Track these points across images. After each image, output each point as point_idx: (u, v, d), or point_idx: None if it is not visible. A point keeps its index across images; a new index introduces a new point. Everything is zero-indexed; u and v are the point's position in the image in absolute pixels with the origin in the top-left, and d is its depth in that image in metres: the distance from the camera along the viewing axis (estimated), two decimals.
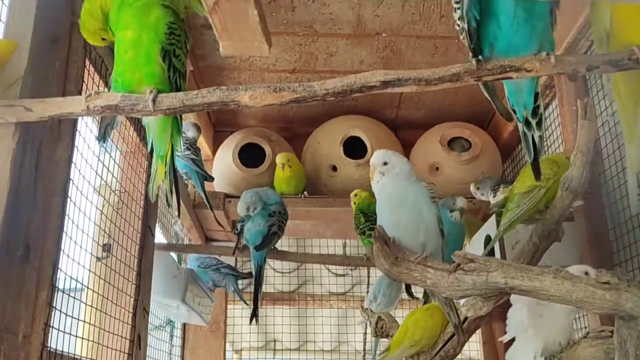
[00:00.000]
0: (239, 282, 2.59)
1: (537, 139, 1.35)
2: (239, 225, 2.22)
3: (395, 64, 2.38)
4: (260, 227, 2.14)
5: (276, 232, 2.17)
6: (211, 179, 2.45)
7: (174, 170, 1.34)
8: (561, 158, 1.68)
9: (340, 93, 1.11)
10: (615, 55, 1.10)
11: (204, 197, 2.35)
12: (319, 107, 2.67)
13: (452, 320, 1.48)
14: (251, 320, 2.15)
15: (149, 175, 1.68)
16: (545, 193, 1.58)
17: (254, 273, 2.18)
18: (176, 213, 1.57)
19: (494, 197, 2.13)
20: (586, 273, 1.22)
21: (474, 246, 2.13)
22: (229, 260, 2.74)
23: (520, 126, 1.35)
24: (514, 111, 1.34)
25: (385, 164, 1.50)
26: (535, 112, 1.32)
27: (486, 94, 1.34)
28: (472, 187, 2.25)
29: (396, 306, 2.04)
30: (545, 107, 2.26)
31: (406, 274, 1.31)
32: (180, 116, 1.35)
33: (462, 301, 1.49)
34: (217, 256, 2.54)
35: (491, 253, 1.94)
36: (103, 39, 1.25)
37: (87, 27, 1.23)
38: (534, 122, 1.34)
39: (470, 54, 1.17)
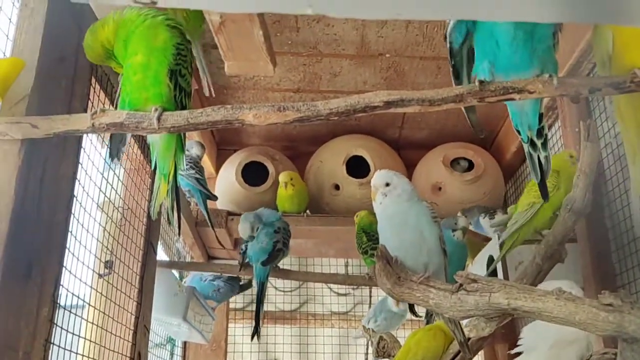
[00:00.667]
0: (242, 294, 2.59)
1: (543, 160, 1.35)
2: (243, 246, 2.22)
3: (399, 85, 2.39)
4: (264, 245, 2.14)
5: (281, 248, 2.17)
6: (214, 198, 2.46)
7: (176, 189, 1.35)
8: (562, 159, 1.67)
9: (343, 113, 1.11)
10: (618, 78, 1.10)
11: (206, 215, 2.36)
12: (323, 126, 2.69)
13: (457, 338, 1.47)
14: (252, 337, 2.14)
15: (152, 193, 1.69)
16: (542, 207, 1.58)
17: (256, 291, 2.18)
18: (177, 231, 1.57)
19: (489, 220, 2.13)
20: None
21: (477, 266, 2.12)
22: None
23: (526, 147, 1.35)
24: (518, 132, 1.34)
25: (387, 184, 1.50)
26: (540, 132, 1.32)
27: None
28: (460, 218, 2.23)
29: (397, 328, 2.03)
30: (548, 129, 2.27)
31: (408, 293, 1.31)
32: (184, 135, 1.36)
33: (464, 322, 1.48)
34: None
35: (494, 274, 1.94)
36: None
37: (91, 56, 1.26)
38: (539, 143, 1.34)
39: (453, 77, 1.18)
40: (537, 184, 1.64)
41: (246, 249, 2.19)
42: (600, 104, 1.91)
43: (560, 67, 1.86)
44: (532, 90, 1.11)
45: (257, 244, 2.15)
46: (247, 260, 2.18)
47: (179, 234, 2.38)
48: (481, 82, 1.11)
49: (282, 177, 2.47)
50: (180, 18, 1.35)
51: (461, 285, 1.19)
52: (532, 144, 1.34)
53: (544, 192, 1.40)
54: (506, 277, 1.80)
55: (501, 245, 1.62)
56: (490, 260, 2.00)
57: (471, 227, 2.22)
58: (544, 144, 1.33)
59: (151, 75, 1.21)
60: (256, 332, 2.14)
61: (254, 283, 2.21)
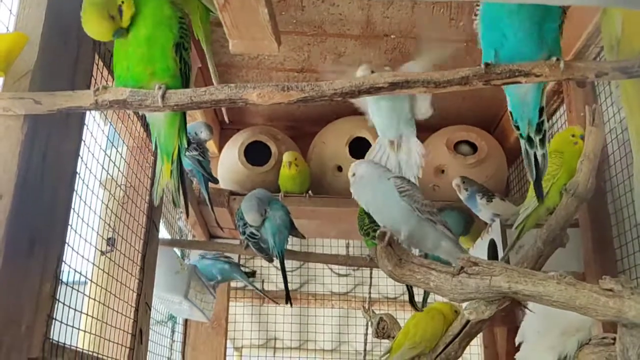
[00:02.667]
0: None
1: (539, 157, 1.33)
2: (247, 229, 2.23)
3: None
4: (282, 221, 2.21)
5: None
6: (215, 181, 2.46)
7: (180, 169, 1.34)
8: (565, 138, 1.66)
9: (348, 93, 1.11)
10: (625, 63, 1.09)
11: (207, 198, 2.36)
12: (326, 106, 2.67)
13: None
14: (286, 302, 2.27)
15: (155, 171, 1.69)
16: (550, 190, 1.58)
17: (279, 260, 2.25)
18: (185, 213, 1.57)
19: (486, 203, 2.11)
20: None
21: (478, 250, 2.13)
22: (233, 258, 2.76)
23: (523, 143, 1.33)
24: (517, 127, 1.32)
25: (353, 175, 1.56)
26: (539, 128, 1.30)
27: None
28: (456, 180, 2.20)
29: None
30: (553, 113, 2.26)
31: (409, 275, 1.31)
32: (185, 114, 1.35)
33: (464, 304, 1.49)
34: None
35: (494, 257, 1.95)
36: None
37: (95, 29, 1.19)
38: (537, 139, 1.31)
39: None
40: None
41: (255, 236, 2.21)
42: (606, 88, 1.90)
43: (567, 51, 1.86)
44: (539, 74, 1.10)
45: (273, 223, 2.18)
46: (264, 244, 2.23)
47: (187, 215, 2.39)
48: (487, 64, 1.10)
49: (286, 157, 2.46)
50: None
51: (462, 268, 1.19)
52: (529, 140, 1.32)
53: (538, 192, 1.38)
54: (507, 260, 1.80)
55: (520, 231, 1.62)
56: (492, 243, 2.01)
57: (463, 197, 2.19)
58: (542, 141, 1.31)
59: (158, 49, 1.20)
60: (288, 297, 2.27)
61: (275, 257, 2.26)
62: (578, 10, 1.84)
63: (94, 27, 1.16)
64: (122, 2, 1.16)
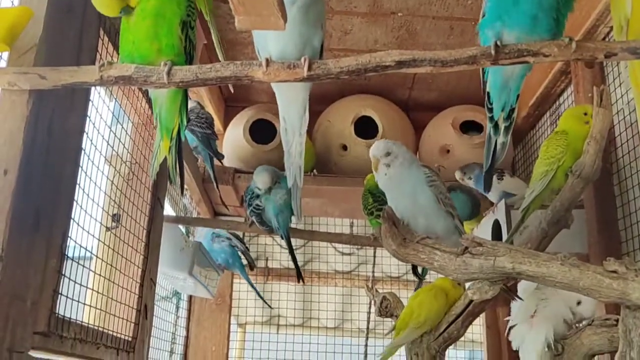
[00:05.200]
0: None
1: (499, 146, 1.31)
2: (259, 202, 2.24)
3: (410, 45, 2.36)
4: (285, 198, 2.22)
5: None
6: (221, 157, 2.46)
7: (179, 146, 1.34)
8: (577, 116, 1.64)
9: (354, 72, 1.10)
10: (635, 43, 1.08)
11: (212, 174, 2.36)
12: (331, 85, 2.66)
13: None
14: (298, 279, 2.36)
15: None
16: (556, 173, 1.57)
17: (285, 240, 2.29)
18: (180, 190, 1.57)
19: (497, 181, 2.10)
20: None
21: (482, 230, 2.13)
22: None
23: (489, 127, 1.31)
24: (490, 109, 1.30)
25: (388, 154, 1.51)
26: (510, 113, 1.29)
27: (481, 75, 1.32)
28: (457, 175, 2.21)
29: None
30: (560, 94, 2.24)
31: (413, 255, 1.32)
32: (187, 91, 1.35)
33: (468, 284, 1.50)
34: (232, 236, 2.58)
35: (498, 237, 1.95)
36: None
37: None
38: (503, 126, 1.30)
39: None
40: (544, 149, 1.64)
41: (259, 208, 2.22)
42: (615, 69, 1.88)
43: (576, 31, 1.84)
44: (548, 54, 1.09)
45: (275, 203, 2.19)
46: (265, 218, 2.24)
47: (182, 193, 2.40)
48: (496, 44, 1.09)
49: None
50: None
51: (466, 248, 1.19)
52: (495, 126, 1.30)
53: (487, 183, 1.37)
54: (511, 241, 1.81)
55: (524, 212, 1.62)
56: (497, 224, 2.01)
57: (471, 183, 2.19)
58: (507, 128, 1.30)
59: (165, 25, 1.20)
60: (299, 274, 2.34)
61: (281, 237, 2.29)
62: None
63: (102, 1, 1.16)
64: None
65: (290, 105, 1.35)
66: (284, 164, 1.46)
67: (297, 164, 1.41)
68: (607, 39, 1.82)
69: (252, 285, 2.71)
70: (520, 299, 1.53)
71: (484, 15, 1.22)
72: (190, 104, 2.34)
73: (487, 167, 1.34)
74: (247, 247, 2.65)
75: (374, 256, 3.10)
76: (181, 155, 1.36)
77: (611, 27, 1.77)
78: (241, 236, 2.69)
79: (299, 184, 1.43)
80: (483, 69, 1.31)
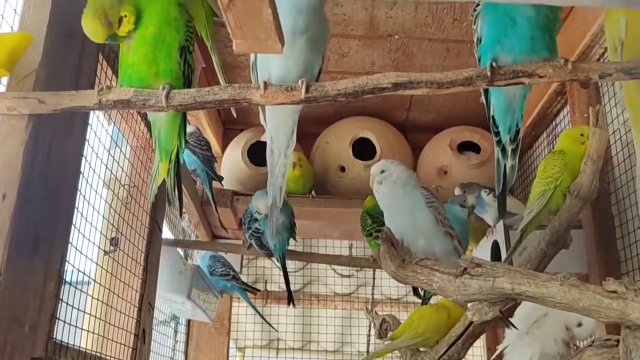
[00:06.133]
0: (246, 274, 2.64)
1: (508, 169, 1.32)
2: (258, 225, 2.24)
3: (407, 67, 2.37)
4: (283, 220, 2.22)
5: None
6: (220, 179, 2.46)
7: (177, 168, 1.35)
8: (573, 137, 1.64)
9: (352, 94, 1.11)
10: (629, 64, 1.09)
11: (210, 196, 2.37)
12: (329, 107, 2.68)
13: None
14: (289, 303, 2.32)
15: None
16: (554, 193, 1.58)
17: (281, 263, 2.27)
18: (179, 212, 1.57)
19: (494, 199, 2.10)
20: None
21: (481, 251, 2.12)
22: (236, 259, 2.77)
23: (497, 151, 1.32)
24: (497, 133, 1.31)
25: (382, 172, 1.53)
26: (516, 135, 1.30)
27: (483, 100, 1.33)
28: (457, 191, 2.21)
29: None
30: (557, 114, 2.26)
31: (413, 276, 1.31)
32: (185, 114, 1.35)
33: (468, 305, 1.49)
34: (228, 264, 2.57)
35: (498, 259, 1.94)
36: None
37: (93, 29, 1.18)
38: (509, 149, 1.31)
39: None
40: (541, 169, 1.64)
41: (259, 231, 2.22)
42: (610, 89, 1.90)
43: (571, 52, 1.86)
44: (543, 75, 1.10)
45: (278, 220, 2.19)
46: (264, 241, 2.24)
47: (181, 215, 2.40)
48: (492, 65, 1.10)
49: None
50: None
51: (465, 269, 1.19)
52: (503, 149, 1.31)
53: (501, 208, 1.37)
54: (510, 262, 1.80)
55: (522, 233, 1.62)
56: (496, 245, 2.00)
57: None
58: (514, 151, 1.30)
59: (164, 50, 1.21)
60: (291, 298, 2.33)
61: (276, 257, 2.28)
62: (582, 11, 1.84)
63: (90, 26, 1.17)
64: (125, 16, 1.17)
65: (279, 127, 1.36)
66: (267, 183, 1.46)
67: (279, 184, 1.42)
68: (601, 60, 1.84)
69: (254, 308, 2.70)
70: (515, 327, 1.52)
71: (480, 40, 1.23)
72: (191, 128, 2.36)
73: (500, 192, 1.34)
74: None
75: (374, 278, 3.09)
76: (180, 178, 1.37)
77: (605, 48, 1.79)
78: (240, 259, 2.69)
79: (278, 204, 1.44)
80: (486, 93, 1.32)
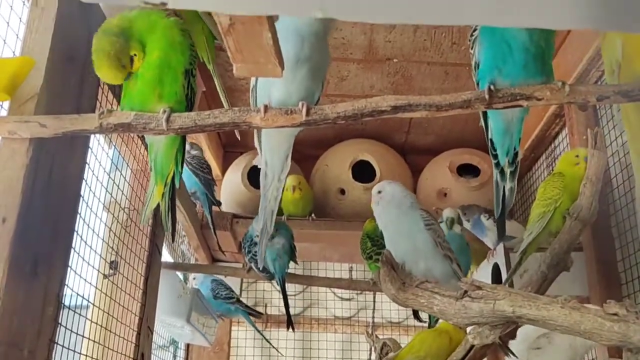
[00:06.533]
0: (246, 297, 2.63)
1: (507, 191, 1.32)
2: (253, 248, 2.24)
3: (406, 90, 2.39)
4: (283, 243, 2.23)
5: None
6: (218, 204, 2.46)
7: (172, 192, 1.35)
8: (569, 159, 1.65)
9: (351, 117, 1.12)
10: (626, 86, 1.10)
11: (209, 220, 2.36)
12: (329, 130, 2.69)
13: None
14: (288, 327, 2.30)
15: None
16: (553, 215, 1.58)
17: (280, 286, 2.26)
18: (171, 237, 1.55)
19: (494, 223, 2.09)
20: None
21: (481, 273, 2.11)
22: (235, 283, 2.76)
23: (495, 174, 1.32)
24: (495, 155, 1.32)
25: (379, 192, 1.54)
26: (514, 157, 1.30)
27: (482, 123, 1.34)
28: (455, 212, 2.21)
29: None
30: (555, 136, 2.26)
31: (413, 299, 1.30)
32: (184, 138, 1.36)
33: (468, 329, 1.48)
34: (230, 287, 2.56)
35: (498, 281, 1.93)
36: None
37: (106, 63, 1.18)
38: (508, 171, 1.31)
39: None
40: (541, 192, 1.65)
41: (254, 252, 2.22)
42: (608, 111, 1.91)
43: (568, 75, 1.87)
44: (540, 97, 1.11)
45: (272, 249, 2.19)
46: (264, 264, 2.22)
47: (174, 240, 2.40)
48: (490, 88, 1.10)
49: (290, 181, 2.46)
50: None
51: (466, 292, 1.18)
52: (502, 172, 1.32)
53: (500, 230, 1.37)
54: (511, 284, 1.79)
55: (522, 255, 1.62)
56: (496, 268, 2.00)
57: (468, 227, 2.18)
58: (513, 173, 1.31)
59: (170, 73, 1.21)
60: (290, 323, 2.31)
61: (276, 281, 2.27)
62: (578, 34, 1.86)
63: (107, 75, 1.18)
64: (135, 55, 1.18)
65: (275, 151, 1.37)
66: (259, 206, 1.46)
67: (271, 208, 1.42)
68: (599, 82, 1.85)
69: (258, 331, 2.68)
70: (515, 356, 1.51)
71: (477, 64, 1.24)
72: (195, 151, 2.37)
73: (499, 214, 1.34)
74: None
75: (374, 301, 3.07)
76: (174, 202, 1.37)
77: (603, 71, 1.80)
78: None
79: (269, 229, 1.44)
80: (484, 116, 1.33)
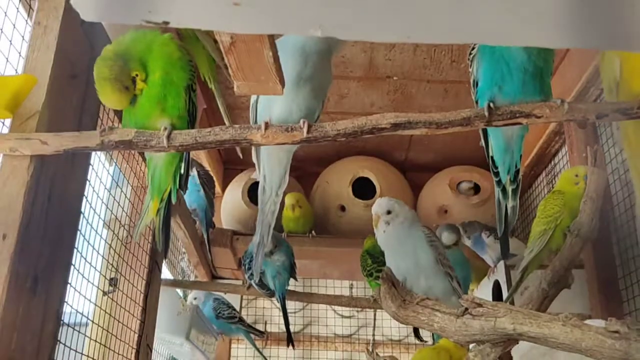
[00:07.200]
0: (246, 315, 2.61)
1: (509, 210, 1.32)
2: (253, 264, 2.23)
3: (406, 107, 2.40)
4: (283, 260, 2.21)
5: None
6: (212, 225, 2.45)
7: (168, 208, 1.34)
8: (568, 178, 1.65)
9: (351, 134, 1.12)
10: (625, 104, 1.10)
11: (206, 239, 2.37)
12: (329, 147, 2.69)
13: None
14: (288, 344, 2.29)
15: None
16: (554, 233, 1.58)
17: (280, 303, 2.25)
18: (164, 254, 1.53)
19: (494, 240, 2.09)
20: None
21: (482, 291, 2.11)
22: (235, 300, 2.75)
23: (497, 192, 1.33)
24: (496, 174, 1.32)
25: (389, 212, 1.53)
26: (516, 175, 1.31)
27: (483, 143, 1.34)
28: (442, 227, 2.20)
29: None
30: (555, 154, 2.27)
31: (414, 317, 1.30)
32: (183, 156, 1.36)
33: (469, 346, 1.47)
34: (232, 305, 2.55)
35: (499, 299, 1.93)
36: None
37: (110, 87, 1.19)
38: (510, 189, 1.31)
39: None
40: (541, 209, 1.65)
41: (261, 270, 2.21)
42: (608, 129, 1.91)
43: (567, 92, 1.88)
44: (540, 115, 1.11)
45: (273, 266, 2.18)
46: (264, 281, 2.22)
47: (166, 257, 2.40)
48: (489, 106, 1.11)
49: (289, 200, 2.46)
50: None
51: (466, 309, 1.18)
52: (504, 190, 1.32)
53: (504, 249, 1.37)
54: (512, 302, 1.79)
55: (523, 272, 1.62)
56: (497, 285, 1.99)
57: (469, 244, 2.18)
58: (515, 191, 1.31)
59: (173, 89, 1.22)
60: (290, 341, 2.30)
61: (276, 298, 2.26)
62: (577, 53, 1.87)
63: (111, 99, 1.20)
64: (137, 75, 1.19)
65: (273, 166, 1.38)
66: (257, 220, 1.46)
67: (268, 222, 1.42)
68: (598, 100, 1.86)
69: (259, 352, 2.67)
70: None
71: (476, 83, 1.25)
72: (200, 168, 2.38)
73: (502, 233, 1.34)
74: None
75: (374, 319, 3.06)
76: (169, 219, 1.36)
77: (602, 89, 1.81)
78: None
79: (265, 242, 1.44)
80: (485, 135, 1.33)
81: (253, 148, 1.37)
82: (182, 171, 1.35)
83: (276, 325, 3.13)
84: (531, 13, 0.59)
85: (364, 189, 2.60)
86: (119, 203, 1.58)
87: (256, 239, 1.44)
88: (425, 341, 2.30)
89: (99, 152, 1.39)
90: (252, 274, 2.24)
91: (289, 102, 1.21)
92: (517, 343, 1.34)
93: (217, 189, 2.79)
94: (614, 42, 0.64)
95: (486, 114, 1.11)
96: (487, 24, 0.60)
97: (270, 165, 1.38)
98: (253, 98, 1.35)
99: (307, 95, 1.23)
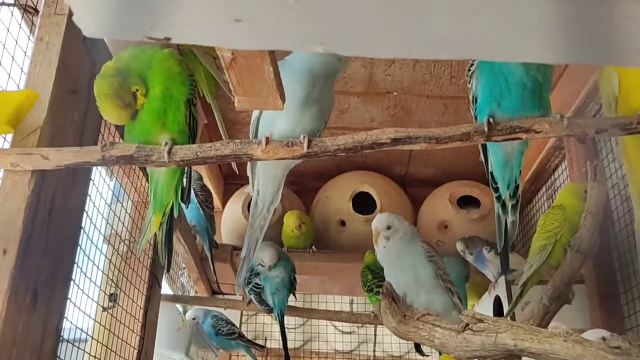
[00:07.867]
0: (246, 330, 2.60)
1: (509, 225, 1.32)
2: (258, 280, 2.22)
3: (406, 122, 2.41)
4: (282, 276, 2.21)
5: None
6: (215, 245, 2.44)
7: (170, 224, 1.35)
8: (569, 192, 1.65)
9: (351, 149, 1.12)
10: (624, 119, 1.11)
11: (209, 255, 2.36)
12: (329, 162, 2.70)
13: None
14: None
15: None
16: (554, 248, 1.57)
17: (279, 320, 2.24)
18: (166, 268, 1.53)
19: (495, 255, 2.09)
20: (603, 338, 1.20)
21: (483, 306, 2.10)
22: (235, 315, 2.74)
23: (497, 207, 1.33)
24: (496, 189, 1.32)
25: (389, 227, 1.53)
26: (515, 190, 1.31)
27: (482, 158, 1.34)
28: (459, 246, 2.20)
29: None
30: (555, 168, 2.27)
31: (414, 332, 1.30)
32: (184, 170, 1.37)
33: None
34: (230, 321, 2.54)
35: (500, 314, 1.92)
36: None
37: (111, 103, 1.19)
38: (510, 204, 1.32)
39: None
40: (541, 224, 1.65)
41: (259, 286, 2.20)
42: (608, 144, 1.92)
43: (567, 108, 1.88)
44: (539, 130, 1.12)
45: (272, 282, 2.17)
46: (264, 296, 2.21)
47: (168, 271, 2.39)
48: (489, 121, 1.11)
49: (294, 221, 2.43)
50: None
51: (467, 324, 1.18)
52: (503, 205, 1.32)
53: (504, 264, 1.37)
54: (512, 317, 1.78)
55: (523, 288, 1.61)
56: (498, 300, 1.98)
57: (470, 258, 2.18)
58: (515, 207, 1.31)
59: (173, 103, 1.23)
60: (288, 358, 2.28)
61: (275, 315, 2.25)
62: (576, 68, 1.88)
63: (112, 115, 1.20)
64: (137, 90, 1.20)
65: (268, 182, 1.38)
66: (246, 234, 1.46)
67: (256, 237, 1.43)
68: (597, 116, 1.87)
69: None
70: None
71: (475, 99, 1.25)
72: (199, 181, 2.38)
73: (502, 248, 1.34)
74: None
75: (375, 334, 3.04)
76: (171, 233, 1.37)
77: (601, 104, 1.82)
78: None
79: (250, 257, 1.44)
80: (484, 150, 1.34)
81: (249, 163, 1.38)
82: (183, 184, 1.36)
83: (276, 341, 3.11)
84: (530, 28, 0.59)
85: (364, 203, 2.60)
86: (119, 218, 1.58)
87: (243, 252, 1.44)
88: (428, 355, 2.28)
89: (99, 167, 1.39)
90: (252, 289, 2.24)
91: (294, 124, 1.22)
92: (519, 359, 1.34)
93: (217, 203, 2.79)
94: (611, 57, 0.64)
95: (486, 129, 1.11)
96: (487, 40, 0.60)
97: (265, 181, 1.38)
98: (255, 114, 1.35)
99: (313, 116, 1.25)
